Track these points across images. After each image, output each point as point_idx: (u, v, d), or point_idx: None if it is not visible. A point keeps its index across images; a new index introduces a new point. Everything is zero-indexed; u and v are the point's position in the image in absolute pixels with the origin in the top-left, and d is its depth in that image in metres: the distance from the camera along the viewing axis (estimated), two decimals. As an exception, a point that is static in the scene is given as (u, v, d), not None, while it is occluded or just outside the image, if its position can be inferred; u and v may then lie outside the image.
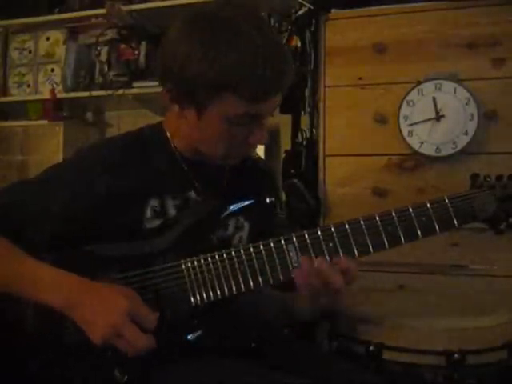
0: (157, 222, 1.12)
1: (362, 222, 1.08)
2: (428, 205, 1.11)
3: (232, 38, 1.00)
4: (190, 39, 1.03)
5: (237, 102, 1.03)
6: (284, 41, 2.11)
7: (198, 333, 1.08)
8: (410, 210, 1.10)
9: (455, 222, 1.11)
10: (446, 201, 1.11)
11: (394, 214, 1.09)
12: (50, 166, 1.17)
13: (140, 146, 1.15)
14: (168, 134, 1.17)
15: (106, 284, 1.03)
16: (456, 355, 1.23)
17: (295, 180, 2.07)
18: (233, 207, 1.14)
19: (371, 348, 1.27)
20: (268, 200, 1.18)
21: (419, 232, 1.09)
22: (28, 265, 1.04)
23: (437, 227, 1.10)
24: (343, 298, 1.13)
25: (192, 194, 1.17)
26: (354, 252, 1.08)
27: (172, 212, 1.13)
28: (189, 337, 1.07)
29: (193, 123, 1.09)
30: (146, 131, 1.20)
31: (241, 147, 1.11)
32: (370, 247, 1.08)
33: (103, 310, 0.97)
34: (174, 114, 1.12)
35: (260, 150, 2.28)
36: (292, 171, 2.10)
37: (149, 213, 1.12)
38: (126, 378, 1.02)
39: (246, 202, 1.16)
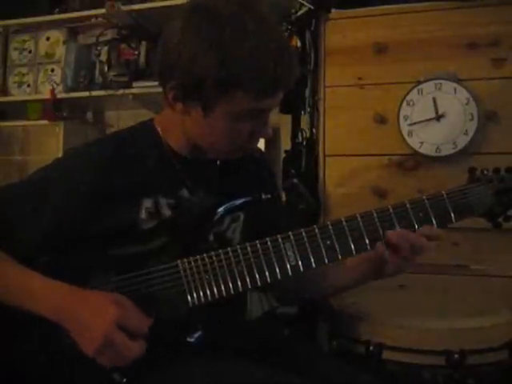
0: (152, 223, 1.10)
1: (359, 219, 1.09)
2: (425, 200, 1.10)
3: (240, 35, 0.99)
4: (196, 37, 1.01)
5: (245, 98, 1.02)
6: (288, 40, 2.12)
7: (198, 333, 1.07)
8: (407, 205, 1.10)
9: (452, 217, 1.11)
10: (444, 195, 1.11)
11: (391, 210, 1.09)
12: (39, 168, 1.15)
13: (130, 145, 1.14)
14: (160, 132, 1.16)
15: (96, 292, 1.01)
16: (456, 355, 1.23)
17: (295, 180, 2.06)
18: (227, 207, 1.14)
19: (371, 348, 1.27)
20: (263, 196, 1.17)
21: (417, 227, 1.09)
22: (18, 274, 1.03)
23: (434, 222, 1.10)
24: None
25: (184, 192, 1.15)
26: (351, 249, 1.08)
27: (166, 212, 1.12)
28: (188, 338, 1.06)
29: (197, 121, 1.08)
30: (137, 129, 1.19)
31: (245, 142, 1.11)
32: (368, 244, 1.08)
33: (93, 321, 0.95)
34: (173, 112, 1.10)
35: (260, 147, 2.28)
36: (292, 171, 2.10)
37: (143, 214, 1.10)
38: (124, 380, 1.01)
39: (240, 201, 1.15)
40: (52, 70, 2.54)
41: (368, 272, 1.21)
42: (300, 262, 1.07)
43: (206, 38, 1.00)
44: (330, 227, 1.08)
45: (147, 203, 1.11)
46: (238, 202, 1.15)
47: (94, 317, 0.96)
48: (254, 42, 0.99)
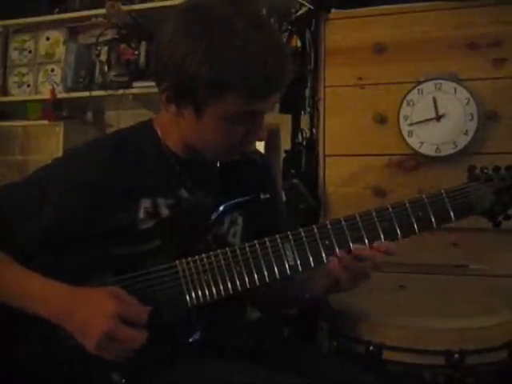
0: (151, 223, 1.10)
1: (358, 219, 1.08)
2: (425, 199, 1.10)
3: (229, 35, 0.99)
4: (188, 38, 1.01)
5: (237, 100, 1.01)
6: (284, 41, 2.12)
7: (197, 334, 1.07)
8: (407, 204, 1.10)
9: (452, 216, 1.10)
10: (443, 195, 1.11)
11: (390, 210, 1.09)
12: (38, 168, 1.15)
13: (129, 145, 1.14)
14: (159, 132, 1.16)
15: (93, 289, 1.01)
16: (456, 355, 1.23)
17: (295, 180, 2.06)
18: (226, 205, 1.13)
19: (371, 348, 1.27)
20: (262, 197, 1.17)
21: (416, 227, 1.09)
22: (17, 275, 1.03)
23: (434, 221, 1.10)
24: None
25: (183, 192, 1.15)
26: (350, 249, 1.08)
27: (165, 212, 1.12)
28: (188, 338, 1.06)
29: (191, 123, 1.08)
30: (136, 129, 1.19)
31: (240, 145, 1.10)
32: (367, 243, 1.08)
33: (93, 319, 0.95)
34: (168, 113, 1.09)
35: (260, 150, 2.28)
36: (292, 171, 2.10)
37: (142, 213, 1.10)
38: (123, 381, 1.01)
39: (239, 200, 1.14)
40: (52, 70, 2.54)
41: (326, 285, 1.19)
42: (299, 262, 1.07)
43: (195, 38, 1.00)
44: (329, 227, 1.08)
45: (145, 203, 1.11)
46: (234, 201, 1.14)
47: (94, 314, 0.96)
48: (244, 42, 0.98)
